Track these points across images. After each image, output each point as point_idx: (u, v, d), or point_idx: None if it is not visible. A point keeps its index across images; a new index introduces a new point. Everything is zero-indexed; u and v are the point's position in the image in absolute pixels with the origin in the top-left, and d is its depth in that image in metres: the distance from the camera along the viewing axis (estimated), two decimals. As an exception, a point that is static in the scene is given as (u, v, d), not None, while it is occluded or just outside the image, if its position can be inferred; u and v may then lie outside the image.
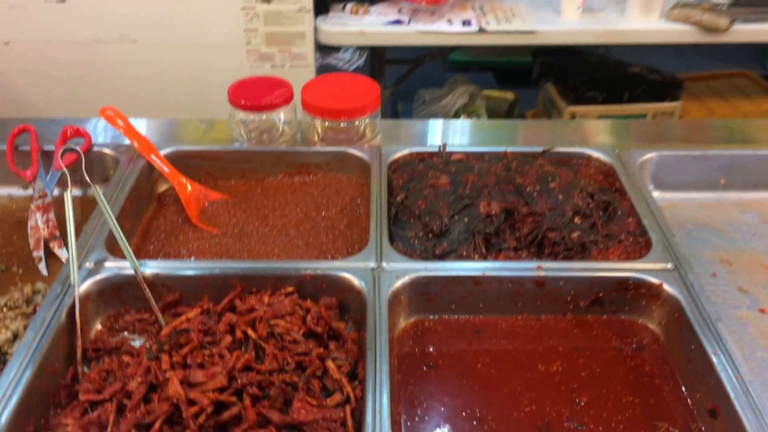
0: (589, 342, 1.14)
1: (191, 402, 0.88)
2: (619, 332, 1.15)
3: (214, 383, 0.90)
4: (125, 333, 1.13)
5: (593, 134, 1.62)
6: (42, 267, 1.25)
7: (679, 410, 1.01)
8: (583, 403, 1.02)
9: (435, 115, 3.39)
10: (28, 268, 1.26)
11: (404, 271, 1.15)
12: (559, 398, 1.03)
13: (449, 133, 1.64)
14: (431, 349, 1.13)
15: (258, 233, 1.34)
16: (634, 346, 1.12)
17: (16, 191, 1.47)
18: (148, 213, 1.40)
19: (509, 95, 3.80)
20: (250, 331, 0.99)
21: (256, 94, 1.49)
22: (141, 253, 1.28)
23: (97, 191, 1.15)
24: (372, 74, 3.18)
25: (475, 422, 1.00)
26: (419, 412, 1.02)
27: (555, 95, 3.28)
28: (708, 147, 1.51)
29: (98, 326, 1.13)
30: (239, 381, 0.91)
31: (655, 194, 1.47)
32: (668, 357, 1.10)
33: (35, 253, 1.27)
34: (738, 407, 0.92)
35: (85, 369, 1.04)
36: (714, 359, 0.99)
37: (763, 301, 1.21)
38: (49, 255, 1.28)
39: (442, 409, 1.02)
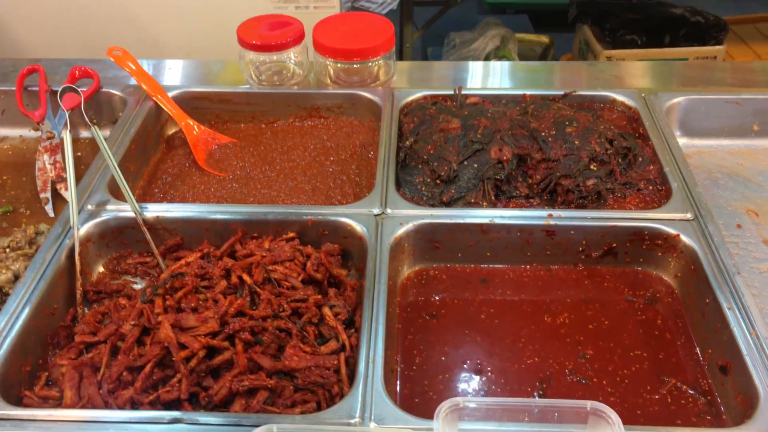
0: (599, 294, 1.10)
1: (182, 346, 0.87)
2: (632, 284, 1.11)
3: (205, 328, 0.89)
4: (128, 276, 1.13)
5: (623, 76, 1.53)
6: (48, 209, 1.25)
7: (689, 366, 0.97)
8: (588, 356, 0.99)
9: (465, 59, 3.29)
10: (35, 209, 1.26)
11: (408, 217, 1.11)
12: (564, 351, 1.00)
13: (471, 76, 1.57)
14: (435, 299, 1.10)
15: (265, 177, 1.31)
16: (647, 299, 1.08)
17: (28, 132, 1.47)
18: (156, 156, 1.38)
19: (544, 39, 3.66)
20: (245, 276, 0.97)
21: (265, 33, 1.44)
22: (147, 196, 1.27)
23: (97, 133, 1.13)
24: (401, 16, 3.09)
25: (473, 374, 0.97)
26: (417, 361, 0.99)
27: (591, 38, 3.15)
28: (741, 90, 1.42)
29: (100, 269, 1.13)
30: (231, 326, 0.89)
31: (682, 140, 1.40)
32: (682, 311, 1.05)
33: (42, 195, 1.27)
34: (750, 364, 0.88)
35: (86, 311, 1.04)
36: (728, 314, 0.94)
37: (788, 255, 1.14)
38: (57, 197, 1.28)
39: (442, 359, 1.00)
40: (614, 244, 1.11)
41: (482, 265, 1.14)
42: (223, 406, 0.86)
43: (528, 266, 1.14)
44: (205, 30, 2.25)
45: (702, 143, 1.40)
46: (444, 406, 0.74)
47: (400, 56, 3.25)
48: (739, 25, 3.35)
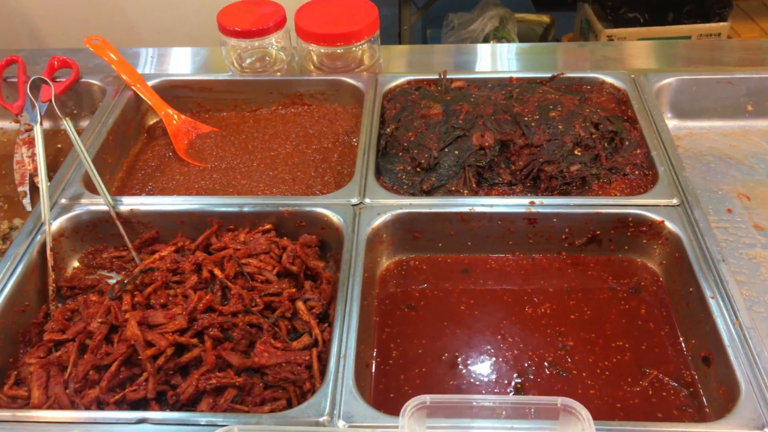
0: (583, 282, 1.07)
1: (150, 344, 0.86)
2: (616, 273, 1.08)
3: (173, 325, 0.87)
4: (104, 271, 1.11)
5: (616, 57, 1.49)
6: (26, 202, 1.24)
7: (672, 357, 0.94)
8: (568, 348, 0.97)
9: (463, 41, 3.24)
10: (13, 203, 1.25)
11: (387, 207, 1.09)
12: (544, 342, 0.97)
13: (464, 59, 1.54)
14: (415, 290, 1.08)
15: (245, 168, 1.29)
16: (631, 287, 1.05)
17: (9, 125, 1.45)
18: (137, 146, 1.36)
19: (544, 18, 3.59)
20: (216, 271, 0.95)
21: (246, 19, 1.41)
22: (126, 188, 1.25)
23: (69, 124, 1.11)
24: (400, -2, 3.04)
25: (450, 367, 0.95)
26: (394, 355, 0.97)
27: (592, 17, 3.09)
28: (735, 69, 1.38)
29: (75, 263, 1.11)
30: (200, 323, 0.88)
31: (674, 122, 1.36)
32: (667, 300, 1.02)
33: (20, 188, 1.26)
34: (732, 355, 0.85)
35: (60, 307, 1.03)
36: (711, 303, 0.91)
37: (779, 240, 1.11)
38: (35, 190, 1.26)
39: (419, 352, 0.98)
40: (598, 232, 1.08)
41: (463, 255, 1.12)
42: (190, 405, 0.84)
43: (510, 255, 1.12)
44: (187, 16, 2.22)
45: (694, 125, 1.37)
46: (410, 404, 0.72)
47: (399, 39, 3.20)
48: (745, 1, 3.27)
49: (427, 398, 0.72)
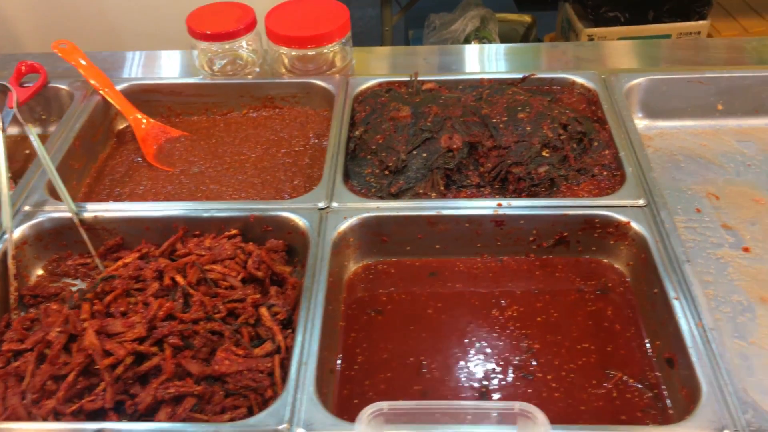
0: (551, 285, 1.07)
1: (108, 353, 0.84)
2: (584, 274, 1.08)
3: (132, 333, 0.86)
4: (68, 278, 1.10)
5: (589, 57, 1.49)
6: (-9, 210, 1.22)
7: (637, 358, 0.94)
8: (534, 351, 0.96)
9: (445, 42, 3.24)
10: (-21, 211, 1.23)
11: (353, 211, 1.08)
12: (510, 345, 0.97)
13: (439, 60, 1.53)
14: (382, 294, 1.07)
15: (214, 172, 1.28)
16: (599, 289, 1.05)
17: (-24, 132, 1.43)
18: (105, 152, 1.35)
19: (526, 18, 3.59)
20: (178, 278, 0.94)
21: (216, 21, 1.40)
22: (93, 194, 1.24)
23: (32, 131, 1.09)
24: (381, -1, 3.03)
25: (416, 372, 0.95)
26: (359, 360, 0.97)
27: (573, 17, 3.09)
28: (705, 69, 1.38)
29: (39, 271, 1.10)
30: (159, 331, 0.87)
31: (644, 122, 1.36)
32: (633, 301, 1.02)
33: (-15, 196, 1.24)
34: (694, 357, 0.85)
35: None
36: (675, 304, 0.91)
37: (749, 240, 1.11)
38: (1, 198, 1.25)
39: (385, 356, 0.97)
40: (566, 233, 1.08)
41: (432, 258, 1.11)
42: (149, 414, 0.83)
43: (479, 258, 1.11)
44: (166, 19, 2.20)
45: (665, 124, 1.37)
46: (366, 412, 0.71)
47: (381, 40, 3.19)
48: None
49: (384, 405, 0.72)
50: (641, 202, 1.07)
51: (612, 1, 3.07)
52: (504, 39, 3.41)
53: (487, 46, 1.63)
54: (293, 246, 1.09)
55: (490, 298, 1.04)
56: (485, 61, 1.53)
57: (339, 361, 0.96)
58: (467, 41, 3.20)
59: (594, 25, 3.04)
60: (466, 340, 0.98)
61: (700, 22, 3.00)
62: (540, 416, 0.70)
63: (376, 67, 1.54)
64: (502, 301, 1.04)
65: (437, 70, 1.49)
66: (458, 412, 0.74)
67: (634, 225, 1.03)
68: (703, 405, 0.80)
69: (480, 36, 3.25)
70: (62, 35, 1.46)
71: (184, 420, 0.82)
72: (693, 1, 3.01)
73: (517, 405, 0.71)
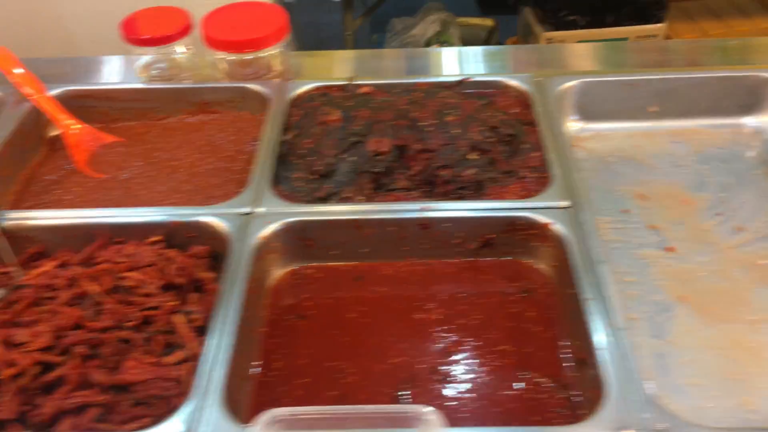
0: (476, 287, 1.07)
1: (11, 363, 0.83)
2: (509, 276, 1.08)
3: (38, 342, 0.84)
4: (-11, 287, 1.08)
5: (530, 61, 1.50)
6: None
7: (554, 359, 0.95)
8: (454, 354, 0.96)
9: (406, 46, 3.25)
10: None
11: (277, 216, 1.08)
12: (431, 349, 0.97)
13: (388, 64, 1.54)
14: (307, 299, 1.06)
15: (146, 178, 1.27)
16: (522, 291, 1.05)
17: None
18: (36, 159, 1.33)
19: (488, 22, 3.61)
20: (91, 286, 0.93)
21: (151, 26, 1.39)
22: (21, 202, 1.22)
23: (-52, 139, 1.08)
24: (344, 3, 3.03)
25: (334, 376, 0.94)
26: (278, 366, 0.96)
27: (532, 20, 3.11)
28: (640, 71, 1.40)
29: (-42, 281, 1.08)
30: (67, 339, 0.85)
31: (580, 125, 1.37)
32: (554, 302, 1.03)
33: None
34: (603, 357, 0.85)
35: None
36: (589, 305, 0.92)
37: (672, 239, 1.12)
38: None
39: (305, 362, 0.97)
40: (491, 236, 1.08)
41: (358, 262, 1.11)
42: (54, 425, 0.82)
43: (406, 261, 1.11)
44: (114, 25, 2.18)
45: (599, 126, 1.37)
46: (261, 419, 0.70)
47: (343, 45, 3.19)
48: (685, 1, 3.33)
49: (280, 412, 0.71)
50: (565, 203, 1.07)
51: (571, 5, 3.10)
52: (466, 43, 3.43)
53: (434, 49, 1.64)
54: (218, 252, 1.08)
55: (414, 302, 1.04)
56: (432, 64, 1.53)
57: (257, 368, 0.95)
58: (428, 45, 3.21)
59: (554, 29, 3.06)
60: (387, 345, 0.98)
61: (657, 25, 3.03)
62: (436, 418, 0.70)
63: (321, 71, 1.53)
64: (426, 305, 1.03)
65: (385, 74, 1.49)
66: (357, 417, 0.73)
67: (556, 227, 1.04)
68: (607, 405, 0.80)
69: (441, 40, 3.26)
70: (18, 42, 1.44)
71: (87, 430, 0.80)
72: (650, 6, 3.05)
73: (414, 408, 0.71)
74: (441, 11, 3.31)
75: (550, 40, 3.01)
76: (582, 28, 3.07)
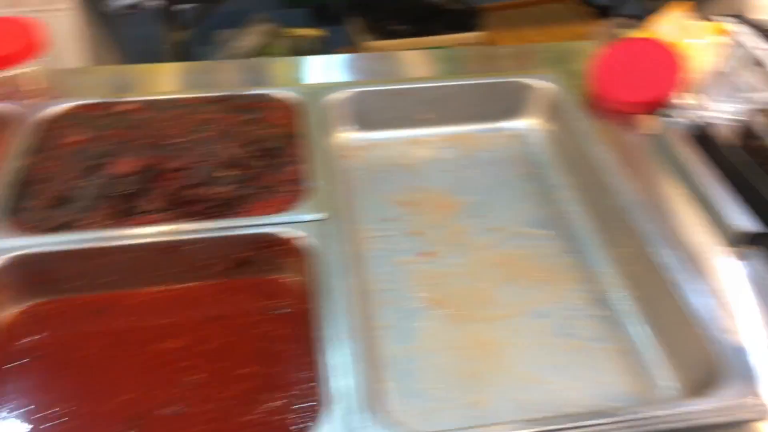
0: (230, 309, 1.03)
1: None
2: (266, 294, 1.05)
3: None
4: None
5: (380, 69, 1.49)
6: None
7: (302, 378, 0.92)
8: (194, 382, 0.91)
9: (230, 58, 3.18)
10: None
11: (6, 250, 0.98)
12: (167, 380, 0.91)
13: (172, 77, 1.46)
14: (43, 338, 0.98)
15: None
16: (276, 309, 1.02)
17: None
18: None
19: (318, 32, 3.61)
20: None
21: None
22: None
23: None
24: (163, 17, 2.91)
25: (57, 421, 0.86)
26: (3, 416, 0.87)
27: (355, 30, 3.15)
28: (413, 80, 1.42)
29: None
30: None
31: (355, 135, 1.37)
32: (306, 319, 1.00)
33: None
34: (336, 370, 0.84)
35: None
36: (332, 320, 0.90)
37: (432, 244, 1.13)
38: None
39: (30, 407, 0.88)
40: (241, 255, 1.04)
41: (101, 293, 1.03)
42: None
43: (159, 288, 1.05)
44: None
45: (374, 136, 1.38)
46: None
47: (160, 59, 3.07)
48: (505, 11, 3.50)
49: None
50: (320, 216, 1.06)
51: (395, 16, 3.18)
52: (296, 54, 3.41)
53: (227, 61, 1.58)
54: (-62, 294, 0.97)
55: (158, 331, 0.98)
56: (218, 76, 1.47)
57: (-31, 421, 0.86)
58: (253, 56, 3.16)
59: (380, 38, 3.12)
60: (119, 381, 0.91)
61: (477, 33, 3.18)
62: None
63: (93, 89, 1.43)
64: (171, 333, 0.98)
65: (166, 87, 1.41)
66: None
67: (304, 240, 1.02)
68: (333, 416, 0.78)
69: (267, 52, 3.22)
70: None
71: None
72: (464, 15, 3.19)
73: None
74: (267, 22, 3.28)
75: (368, 50, 3.06)
76: (405, 37, 3.15)
